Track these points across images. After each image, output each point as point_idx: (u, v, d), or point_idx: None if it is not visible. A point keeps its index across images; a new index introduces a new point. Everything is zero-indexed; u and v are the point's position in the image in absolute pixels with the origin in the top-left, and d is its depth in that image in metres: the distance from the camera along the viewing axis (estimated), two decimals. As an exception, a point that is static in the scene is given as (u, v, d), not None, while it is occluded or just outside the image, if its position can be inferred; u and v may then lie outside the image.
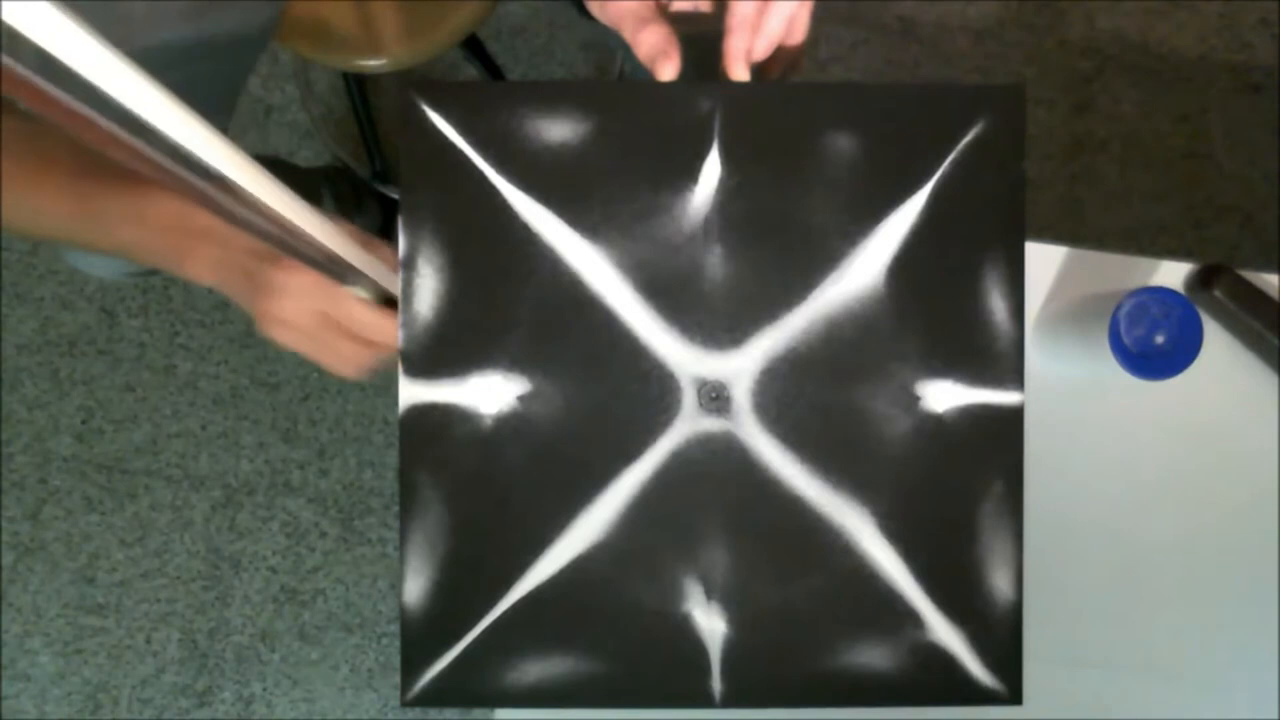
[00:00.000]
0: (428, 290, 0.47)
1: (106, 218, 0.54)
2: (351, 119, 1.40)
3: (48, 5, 0.21)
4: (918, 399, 0.47)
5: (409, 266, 0.46)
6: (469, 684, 0.47)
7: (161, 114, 0.25)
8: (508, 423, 0.47)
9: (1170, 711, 0.65)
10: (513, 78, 1.39)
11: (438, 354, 0.47)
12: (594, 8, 0.51)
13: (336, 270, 0.41)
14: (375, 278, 0.46)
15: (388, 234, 1.38)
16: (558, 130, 0.46)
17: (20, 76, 0.21)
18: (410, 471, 0.47)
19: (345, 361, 0.51)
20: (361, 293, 0.48)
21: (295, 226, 0.35)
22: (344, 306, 0.49)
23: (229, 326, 1.42)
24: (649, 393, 0.47)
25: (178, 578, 1.39)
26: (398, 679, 1.35)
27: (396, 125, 1.35)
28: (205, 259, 0.53)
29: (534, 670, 0.47)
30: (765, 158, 0.47)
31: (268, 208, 0.33)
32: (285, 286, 0.50)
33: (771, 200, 0.47)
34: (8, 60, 0.21)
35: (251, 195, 0.31)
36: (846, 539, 0.47)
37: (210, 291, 1.41)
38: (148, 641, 1.39)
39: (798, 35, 0.49)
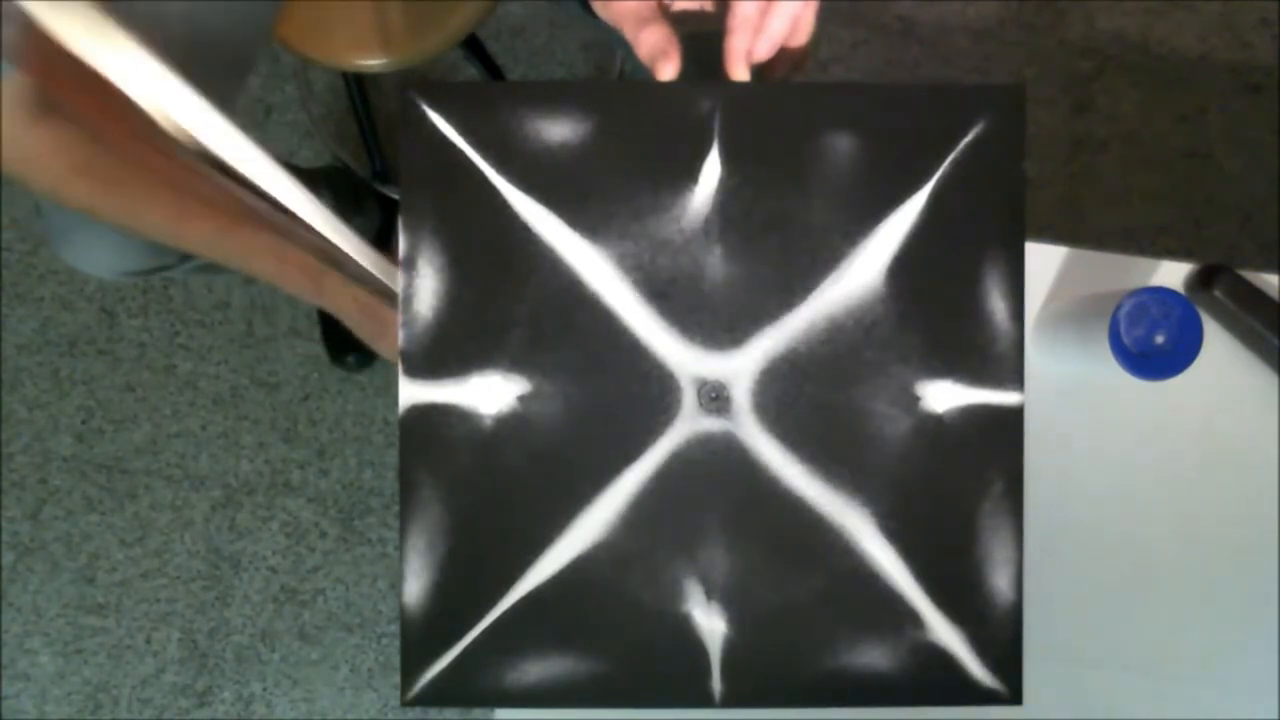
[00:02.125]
0: (428, 290, 0.47)
1: (249, 248, 0.64)
2: (351, 119, 1.40)
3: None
4: (918, 399, 0.47)
5: (409, 266, 0.46)
6: (469, 684, 0.47)
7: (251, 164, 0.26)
8: (508, 423, 0.47)
9: (1171, 710, 0.65)
10: (513, 78, 1.39)
11: (438, 354, 0.47)
12: (596, 7, 0.51)
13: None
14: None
15: (388, 234, 1.38)
16: (558, 130, 0.46)
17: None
18: (410, 471, 0.47)
19: None
20: None
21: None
22: None
23: (229, 327, 1.42)
24: (649, 393, 0.47)
25: (178, 578, 1.39)
26: (398, 679, 1.35)
27: (396, 125, 1.35)
28: (337, 295, 0.62)
29: (534, 670, 0.47)
30: (765, 158, 0.47)
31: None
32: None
33: (771, 200, 0.47)
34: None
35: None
36: (846, 539, 0.47)
37: (210, 291, 1.42)
38: (148, 641, 1.39)
39: (802, 36, 0.49)
